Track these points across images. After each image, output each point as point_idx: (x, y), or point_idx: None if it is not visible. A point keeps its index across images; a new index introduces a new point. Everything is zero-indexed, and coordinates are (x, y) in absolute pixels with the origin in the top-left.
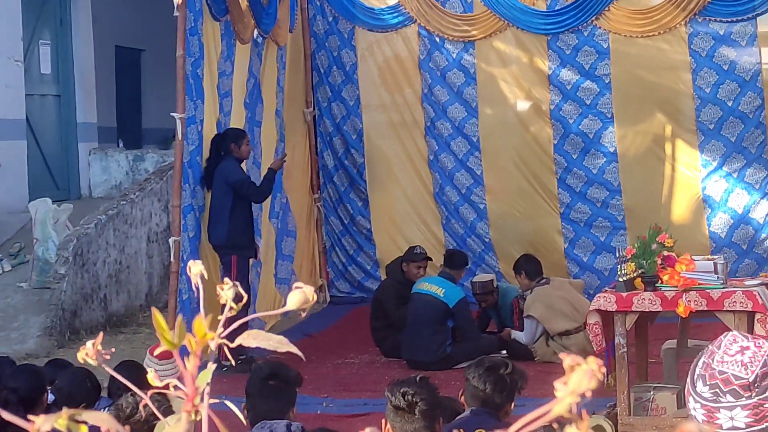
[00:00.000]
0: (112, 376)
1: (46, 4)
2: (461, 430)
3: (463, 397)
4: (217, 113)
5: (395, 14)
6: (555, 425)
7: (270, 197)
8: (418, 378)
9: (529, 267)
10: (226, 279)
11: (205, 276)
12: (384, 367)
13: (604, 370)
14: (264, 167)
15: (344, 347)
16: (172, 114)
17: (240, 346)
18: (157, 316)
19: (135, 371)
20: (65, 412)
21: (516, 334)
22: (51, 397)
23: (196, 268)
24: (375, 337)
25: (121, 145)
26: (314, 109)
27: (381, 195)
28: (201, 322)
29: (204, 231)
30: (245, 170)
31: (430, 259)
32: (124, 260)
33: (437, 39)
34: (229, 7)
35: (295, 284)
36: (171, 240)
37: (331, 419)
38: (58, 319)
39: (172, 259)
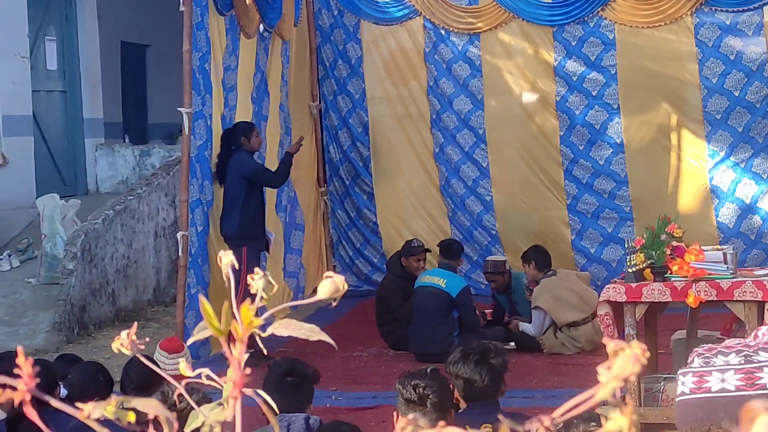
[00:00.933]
0: (124, 370)
1: (51, 0)
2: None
3: (455, 393)
4: (222, 108)
5: (400, 7)
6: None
7: (277, 191)
8: (428, 370)
9: (539, 258)
10: (257, 269)
11: (236, 266)
12: (392, 360)
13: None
14: (268, 161)
15: (352, 340)
16: (178, 109)
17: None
18: (205, 304)
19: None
20: (114, 398)
21: (524, 326)
22: (63, 392)
23: (226, 258)
24: (381, 332)
25: (127, 140)
26: (320, 102)
27: (387, 188)
28: (248, 308)
29: (212, 225)
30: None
31: (428, 251)
32: (132, 255)
33: (442, 31)
34: (234, 2)
35: (326, 273)
36: (179, 234)
37: (341, 412)
38: (67, 315)
39: (180, 253)
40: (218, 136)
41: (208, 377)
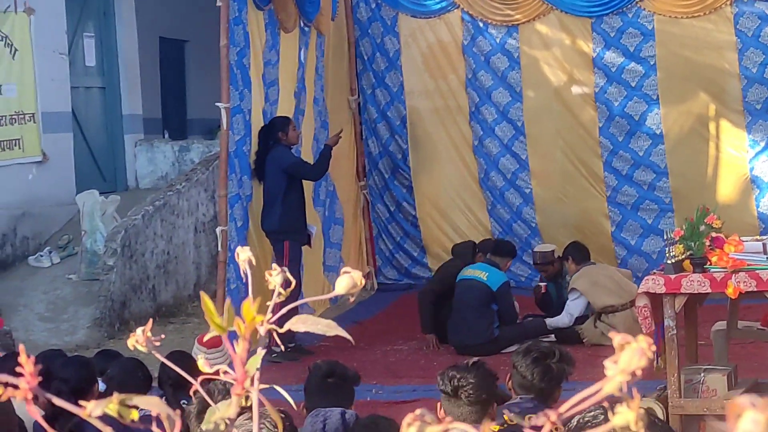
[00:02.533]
0: (161, 366)
1: None
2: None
3: (510, 382)
4: (262, 103)
5: (438, 0)
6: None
7: (315, 185)
8: (469, 363)
9: (576, 253)
10: (274, 265)
11: (253, 262)
12: (432, 354)
13: (654, 348)
14: (304, 154)
15: (392, 334)
16: (216, 104)
17: (290, 333)
18: (206, 300)
19: (185, 361)
20: (115, 396)
21: (552, 321)
22: (102, 387)
23: (244, 254)
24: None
25: (166, 136)
26: (359, 96)
27: (426, 181)
28: (249, 305)
29: (252, 220)
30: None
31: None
32: (172, 251)
33: (480, 24)
34: None
35: (343, 269)
36: (218, 230)
37: (381, 406)
38: (108, 311)
39: (219, 248)
40: (256, 131)
41: (226, 373)
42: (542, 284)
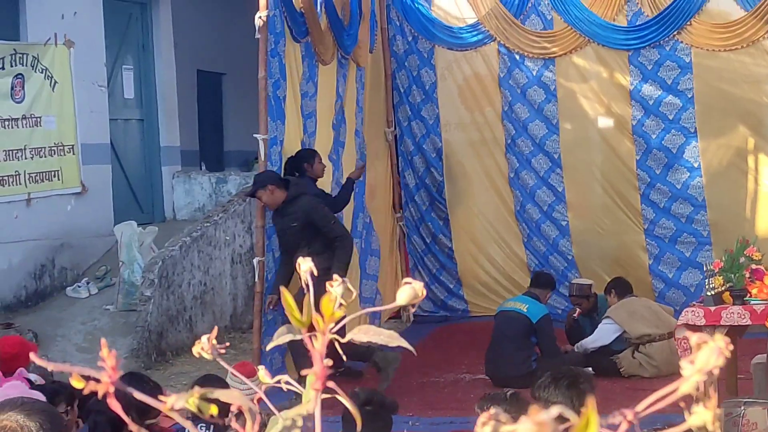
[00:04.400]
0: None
1: (128, 29)
2: None
3: None
4: (301, 134)
5: (475, 33)
6: (682, 404)
7: (352, 216)
8: (508, 394)
9: (619, 288)
10: (335, 276)
11: (315, 272)
12: (469, 386)
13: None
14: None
15: (429, 366)
16: (254, 135)
17: (338, 359)
18: (286, 295)
19: (219, 384)
20: (196, 390)
21: (581, 342)
22: None
23: (305, 265)
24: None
25: (203, 168)
26: (395, 128)
27: (462, 213)
28: (329, 299)
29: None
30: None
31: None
32: (209, 282)
33: (517, 56)
34: (310, 29)
35: (405, 280)
36: (255, 261)
37: None
38: (145, 341)
39: (255, 279)
40: (285, 162)
41: (288, 383)
42: (578, 309)
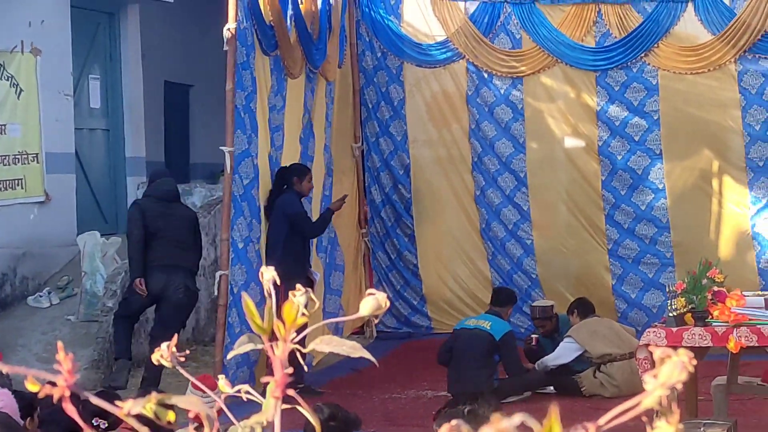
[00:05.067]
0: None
1: (96, 39)
2: None
3: None
4: (268, 147)
5: (444, 50)
6: (644, 419)
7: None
8: (465, 410)
9: (582, 308)
10: (299, 285)
11: (278, 282)
12: (431, 402)
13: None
14: (314, 201)
15: (391, 382)
16: (221, 147)
17: (297, 375)
18: (248, 302)
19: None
20: (154, 396)
21: (542, 359)
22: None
23: (268, 274)
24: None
25: None
26: (362, 143)
27: (428, 230)
28: (291, 306)
29: (263, 262)
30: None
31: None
32: None
33: (485, 74)
34: (279, 42)
35: (368, 291)
36: (218, 274)
37: None
38: (106, 352)
39: (215, 293)
40: (265, 175)
41: (248, 393)
42: (534, 336)
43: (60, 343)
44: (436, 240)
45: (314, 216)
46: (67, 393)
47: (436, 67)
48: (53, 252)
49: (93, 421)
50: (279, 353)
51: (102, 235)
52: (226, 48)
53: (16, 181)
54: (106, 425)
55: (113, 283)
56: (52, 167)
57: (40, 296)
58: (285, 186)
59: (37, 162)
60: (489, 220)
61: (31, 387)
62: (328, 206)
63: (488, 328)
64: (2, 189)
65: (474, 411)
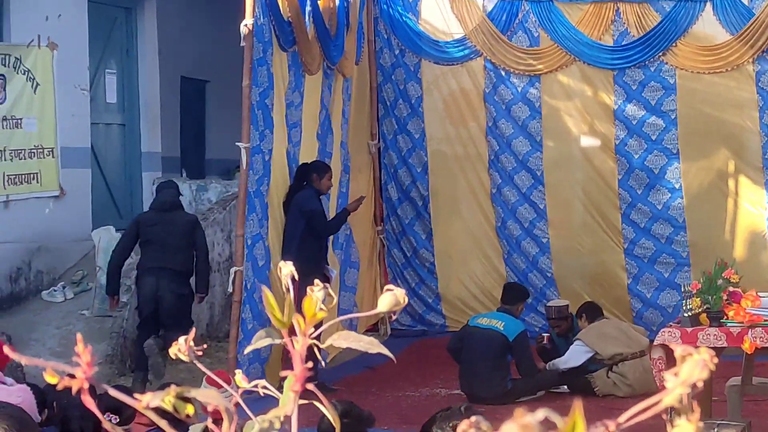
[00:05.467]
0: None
1: (112, 33)
2: None
3: None
4: (285, 144)
5: (461, 48)
6: (664, 416)
7: None
8: (463, 408)
9: (590, 311)
10: (317, 281)
11: (296, 277)
12: (445, 401)
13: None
14: (331, 198)
15: (405, 380)
16: (237, 143)
17: (312, 371)
18: (268, 295)
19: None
20: (172, 389)
21: (554, 361)
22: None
23: (286, 269)
24: None
25: (184, 175)
26: (379, 141)
27: (445, 228)
28: (311, 300)
29: (273, 259)
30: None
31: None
32: None
33: (503, 72)
34: (297, 38)
35: (386, 287)
36: (233, 270)
37: None
38: (119, 347)
39: (230, 289)
40: (280, 171)
41: (265, 387)
42: (545, 335)
43: (79, 335)
44: (452, 238)
45: (331, 213)
46: (86, 385)
47: (454, 64)
48: (68, 246)
49: (105, 416)
50: (298, 348)
51: (116, 230)
52: (243, 44)
53: (32, 176)
54: (118, 420)
55: (127, 278)
56: (68, 162)
57: (55, 291)
58: (305, 182)
59: (53, 156)
60: (505, 218)
61: (50, 379)
62: (345, 206)
63: (501, 328)
64: (18, 183)
65: (470, 408)
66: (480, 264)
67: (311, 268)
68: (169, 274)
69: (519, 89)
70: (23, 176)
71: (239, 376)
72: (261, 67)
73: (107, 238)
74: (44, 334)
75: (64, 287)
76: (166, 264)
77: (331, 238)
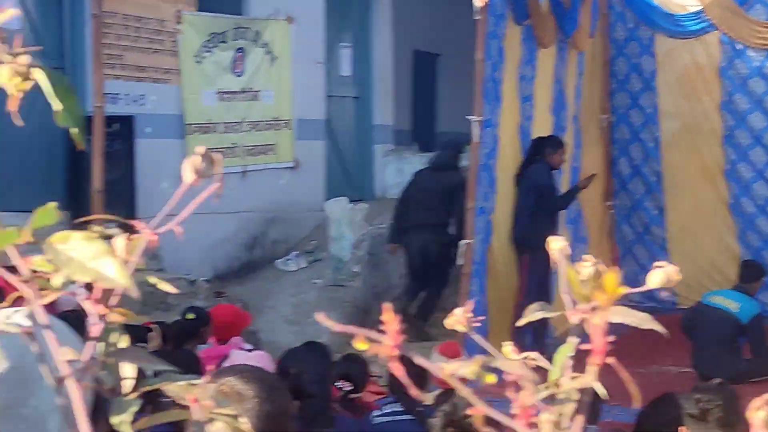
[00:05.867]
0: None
1: (348, 7)
2: None
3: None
4: (518, 117)
5: (697, 21)
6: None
7: None
8: (715, 384)
9: None
10: (586, 256)
11: (568, 251)
12: (675, 379)
13: None
14: (563, 173)
15: (635, 356)
16: (467, 117)
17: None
18: (570, 272)
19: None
20: (478, 358)
21: None
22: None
23: (556, 244)
24: None
25: (416, 148)
26: (610, 115)
27: (677, 204)
28: (612, 276)
29: (495, 234)
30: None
31: None
32: None
33: (738, 46)
34: (530, 12)
35: (656, 263)
36: (462, 242)
37: (619, 427)
38: (352, 317)
39: (459, 261)
40: (510, 145)
41: (534, 359)
42: None
43: (387, 305)
44: (684, 214)
45: (563, 188)
46: (395, 353)
47: (689, 38)
48: (301, 216)
49: (338, 384)
50: (598, 321)
51: (349, 201)
52: (477, 17)
53: (268, 147)
54: (351, 388)
55: (359, 249)
56: (303, 134)
57: (288, 260)
58: (537, 156)
59: (288, 128)
60: (738, 195)
61: (360, 346)
62: (576, 183)
63: (735, 310)
64: (255, 154)
65: (724, 384)
66: (712, 241)
67: (537, 241)
68: (428, 228)
69: (756, 64)
70: (260, 147)
71: (508, 347)
72: (493, 40)
73: (340, 209)
74: (278, 301)
75: (297, 256)
76: (423, 221)
77: (563, 212)
